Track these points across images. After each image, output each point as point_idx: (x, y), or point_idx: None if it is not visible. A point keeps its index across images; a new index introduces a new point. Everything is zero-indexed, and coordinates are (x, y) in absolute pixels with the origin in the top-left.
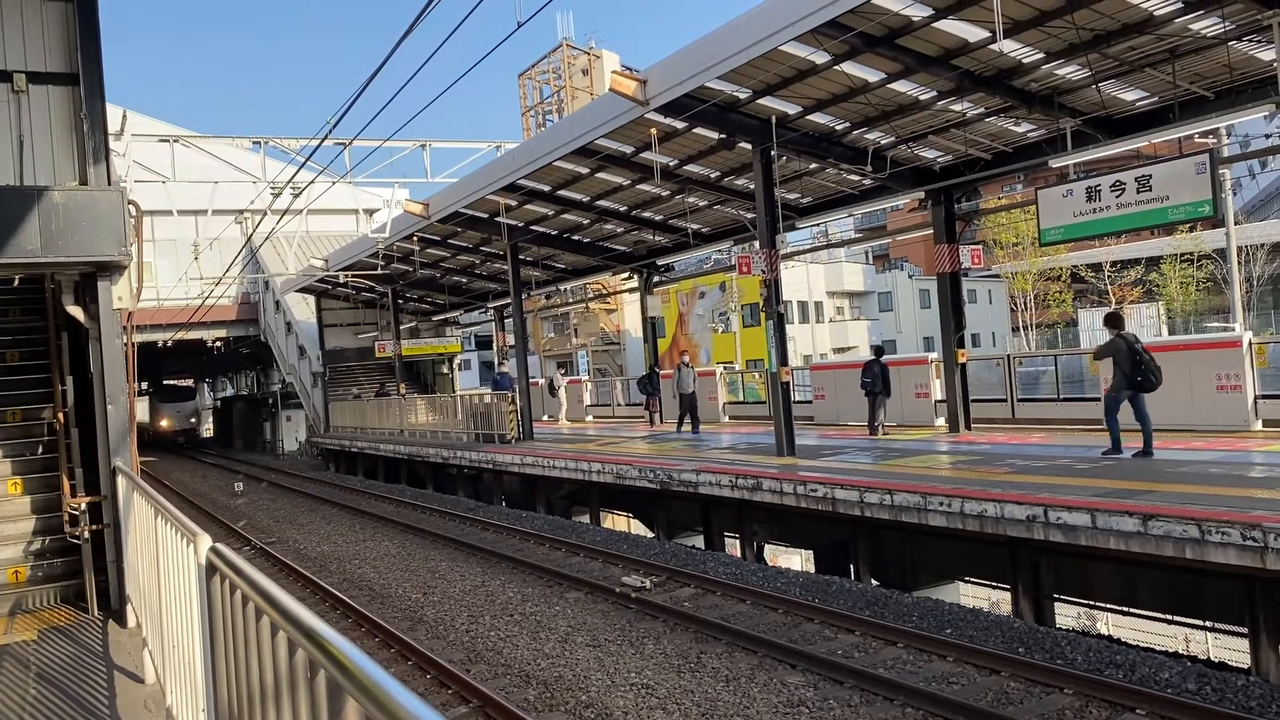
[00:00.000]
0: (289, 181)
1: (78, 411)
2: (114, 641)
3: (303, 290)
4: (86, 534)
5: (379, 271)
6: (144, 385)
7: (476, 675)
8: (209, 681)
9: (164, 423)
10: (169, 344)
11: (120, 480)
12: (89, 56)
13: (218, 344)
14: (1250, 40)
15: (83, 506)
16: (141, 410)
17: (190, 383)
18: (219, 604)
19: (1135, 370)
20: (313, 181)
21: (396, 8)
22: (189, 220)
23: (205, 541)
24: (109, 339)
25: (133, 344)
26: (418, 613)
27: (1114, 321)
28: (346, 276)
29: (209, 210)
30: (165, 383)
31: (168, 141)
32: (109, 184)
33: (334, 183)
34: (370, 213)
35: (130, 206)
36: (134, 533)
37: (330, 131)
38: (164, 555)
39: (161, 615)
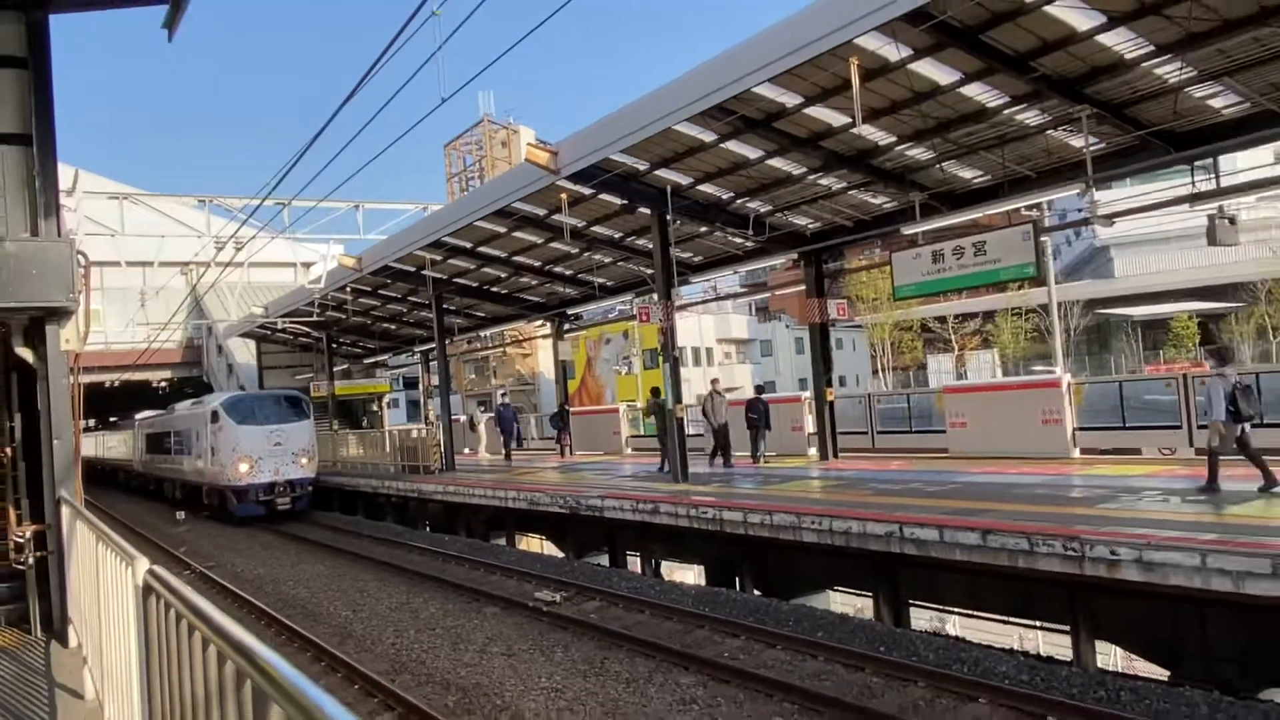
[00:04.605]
0: (231, 236)
1: (25, 446)
2: (56, 661)
3: (244, 335)
4: (31, 560)
5: (315, 318)
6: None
7: (401, 684)
8: (144, 695)
9: (243, 467)
10: (116, 384)
11: (64, 509)
12: (42, 119)
13: (163, 384)
14: (1064, 129)
15: (28, 535)
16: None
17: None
18: (155, 622)
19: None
20: (254, 237)
21: (334, 76)
22: (136, 271)
23: (143, 564)
24: (56, 379)
25: (79, 384)
26: (347, 628)
27: (655, 394)
28: (285, 323)
29: (156, 262)
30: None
31: (117, 199)
32: (59, 236)
33: (273, 238)
34: (307, 265)
35: (79, 256)
36: (77, 558)
37: (270, 192)
38: (104, 578)
39: (101, 635)
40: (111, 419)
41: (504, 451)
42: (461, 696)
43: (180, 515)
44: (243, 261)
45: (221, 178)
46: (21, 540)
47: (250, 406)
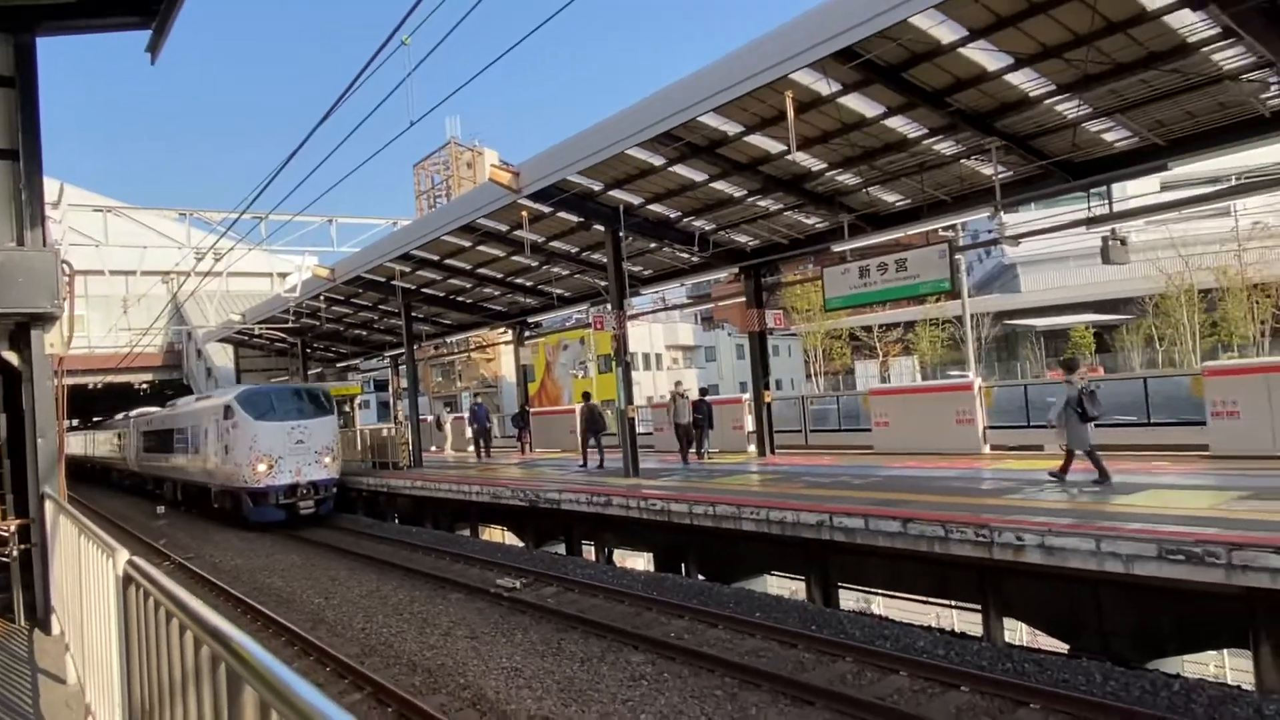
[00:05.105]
0: (211, 248)
1: (10, 444)
2: (39, 648)
3: (222, 340)
4: (15, 553)
5: (290, 325)
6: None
7: (370, 666)
8: (124, 678)
9: (262, 466)
10: (99, 386)
11: (48, 504)
12: (29, 136)
13: (144, 386)
14: (976, 159)
15: (12, 529)
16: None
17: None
18: (134, 609)
19: (599, 425)
20: (232, 248)
21: (311, 94)
22: (120, 279)
23: (123, 555)
24: (40, 381)
25: (63, 386)
26: (319, 615)
27: (586, 397)
28: (261, 329)
29: (138, 271)
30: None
31: (101, 211)
32: (44, 246)
33: (251, 249)
34: (283, 275)
35: (64, 265)
36: (60, 550)
37: (249, 206)
38: (86, 569)
39: (83, 622)
40: (96, 418)
41: (477, 449)
42: (427, 677)
43: (160, 509)
44: (221, 271)
45: (202, 192)
46: (6, 534)
47: (269, 401)
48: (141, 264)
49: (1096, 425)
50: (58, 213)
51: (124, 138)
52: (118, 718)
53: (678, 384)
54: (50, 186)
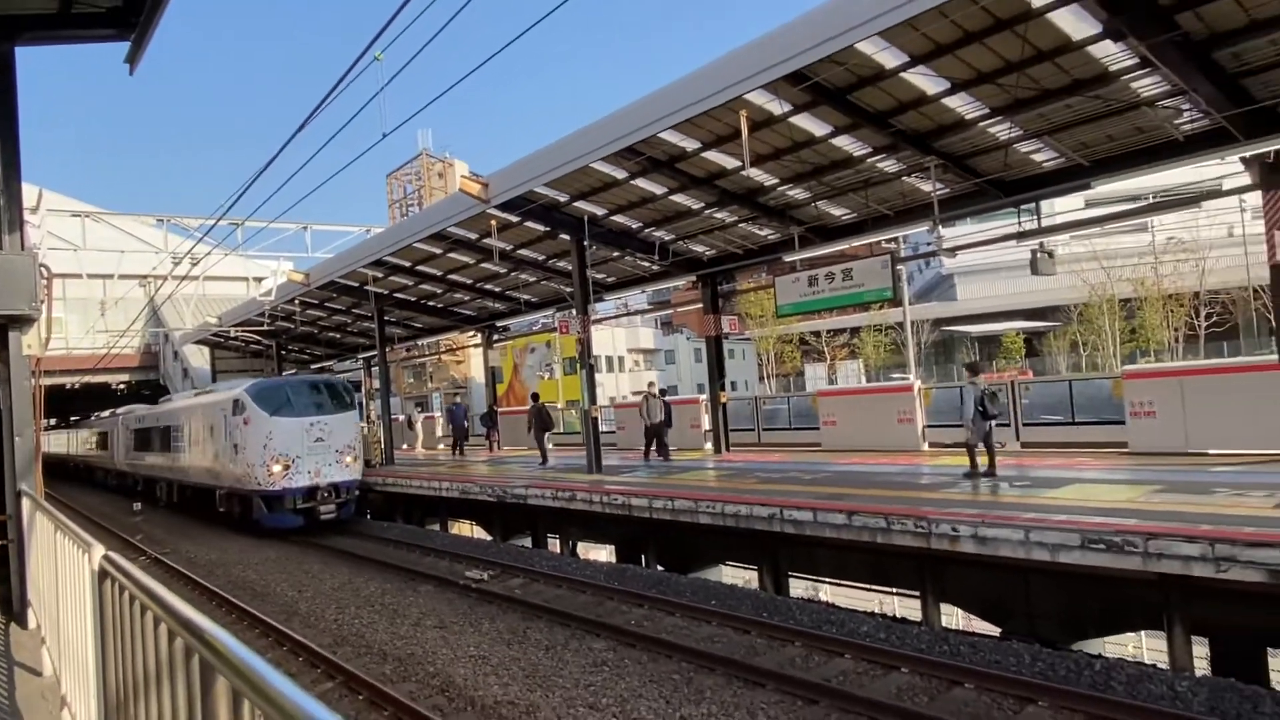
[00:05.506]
0: (188, 253)
1: None
2: (15, 641)
3: (199, 342)
4: None
5: (265, 328)
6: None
7: (342, 656)
8: (99, 670)
9: (277, 467)
10: (76, 386)
11: (25, 501)
12: (8, 143)
13: (121, 386)
14: (916, 176)
15: None
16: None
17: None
18: (110, 603)
19: (547, 424)
20: (209, 254)
21: (289, 100)
22: (98, 283)
23: (99, 550)
24: (18, 381)
25: (40, 386)
26: (293, 607)
27: (535, 399)
28: (237, 331)
29: (116, 275)
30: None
31: (79, 216)
32: (22, 250)
33: (227, 255)
34: (259, 280)
35: (42, 269)
36: (37, 546)
37: (225, 213)
38: (62, 564)
39: (59, 616)
40: (74, 417)
41: (453, 447)
42: (397, 665)
43: (136, 506)
44: (198, 275)
45: (179, 198)
46: None
47: (284, 395)
48: (119, 268)
49: (1026, 425)
50: (36, 217)
51: (102, 144)
52: (93, 709)
53: (650, 384)
54: (29, 192)
